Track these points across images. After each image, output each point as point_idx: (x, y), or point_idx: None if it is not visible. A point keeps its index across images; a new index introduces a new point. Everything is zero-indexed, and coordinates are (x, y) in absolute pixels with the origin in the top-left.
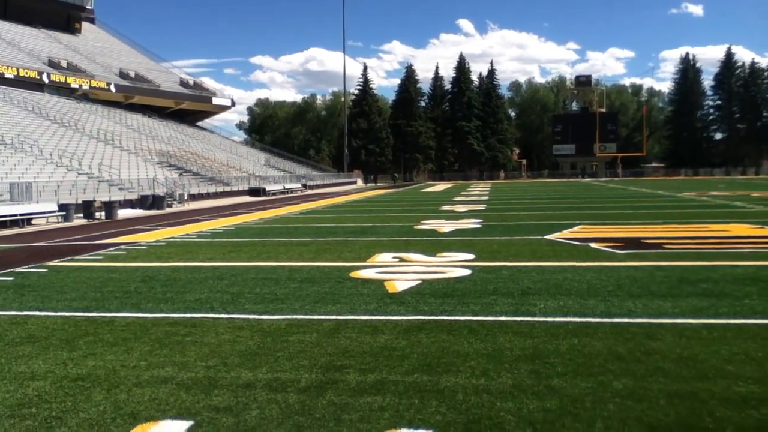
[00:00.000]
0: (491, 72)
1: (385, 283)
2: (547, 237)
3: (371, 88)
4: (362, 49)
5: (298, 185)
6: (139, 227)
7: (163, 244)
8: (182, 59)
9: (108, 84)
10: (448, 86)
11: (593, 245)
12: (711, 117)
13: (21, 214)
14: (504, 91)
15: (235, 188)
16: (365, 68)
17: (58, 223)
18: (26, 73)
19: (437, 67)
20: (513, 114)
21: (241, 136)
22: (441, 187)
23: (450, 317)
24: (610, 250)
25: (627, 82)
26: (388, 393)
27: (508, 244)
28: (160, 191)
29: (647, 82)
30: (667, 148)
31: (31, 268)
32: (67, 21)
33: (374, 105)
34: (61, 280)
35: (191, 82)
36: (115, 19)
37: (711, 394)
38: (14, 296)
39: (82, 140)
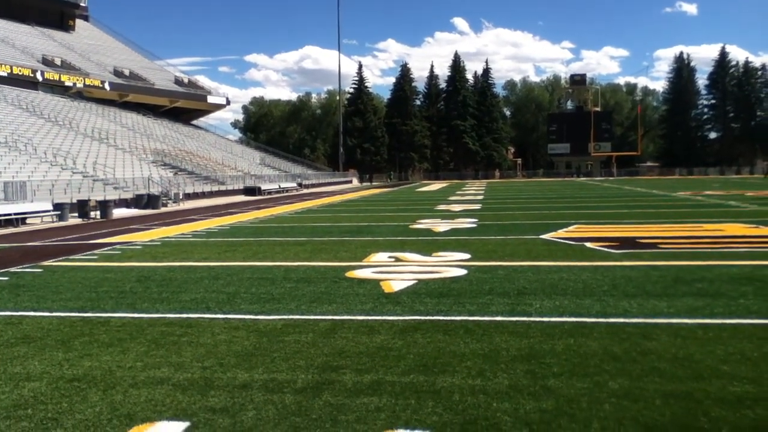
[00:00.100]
0: (486, 71)
1: (381, 283)
2: (543, 236)
3: (366, 87)
4: (357, 47)
5: (294, 184)
6: (134, 227)
7: (159, 243)
8: (177, 57)
9: (102, 82)
10: (443, 85)
11: (588, 245)
12: (705, 116)
13: (15, 214)
14: (499, 90)
15: (230, 187)
16: (360, 67)
17: (52, 222)
18: (20, 70)
19: (432, 66)
20: (508, 113)
21: (236, 134)
22: (436, 186)
23: (446, 317)
24: (606, 249)
25: (621, 81)
26: (384, 393)
27: (504, 243)
28: (155, 190)
29: (642, 81)
30: (662, 148)
31: (25, 268)
32: (61, 18)
33: (369, 104)
34: (56, 280)
35: (186, 81)
36: (109, 16)
37: (706, 394)
38: (9, 296)
39: (76, 139)
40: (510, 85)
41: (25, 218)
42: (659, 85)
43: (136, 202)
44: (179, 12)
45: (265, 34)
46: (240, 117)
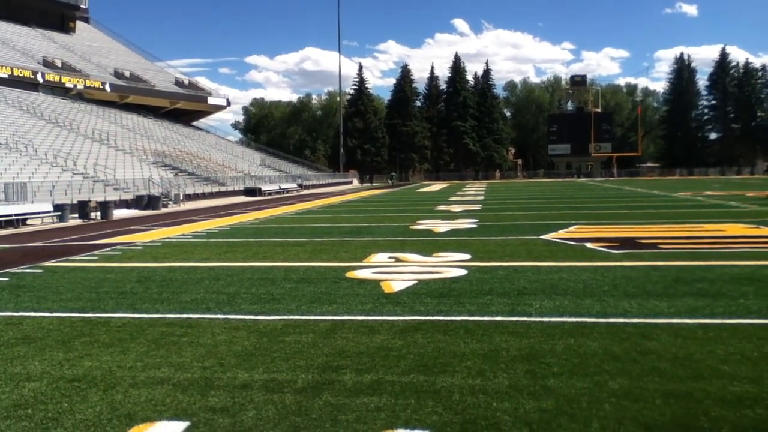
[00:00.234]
0: (486, 72)
1: (381, 284)
2: (543, 237)
3: (367, 88)
4: (357, 48)
5: (294, 185)
6: (134, 227)
7: (159, 244)
8: (177, 59)
9: (103, 83)
10: (443, 86)
11: (589, 245)
12: (706, 117)
13: (16, 215)
14: (499, 91)
15: (230, 188)
16: (360, 68)
17: (53, 223)
18: (21, 72)
19: (432, 67)
20: (508, 114)
21: (237, 135)
22: (437, 186)
23: (446, 317)
24: (606, 250)
25: (622, 81)
26: (384, 393)
27: (504, 244)
28: (155, 191)
29: (642, 82)
30: (662, 148)
31: (26, 268)
32: (61, 20)
33: (370, 105)
34: (57, 281)
35: (186, 82)
36: (109, 18)
37: (706, 393)
38: (9, 297)
39: (77, 140)
40: (510, 86)
41: (26, 219)
42: (659, 86)
43: (137, 203)
44: (180, 13)
45: (265, 35)
46: (240, 118)
